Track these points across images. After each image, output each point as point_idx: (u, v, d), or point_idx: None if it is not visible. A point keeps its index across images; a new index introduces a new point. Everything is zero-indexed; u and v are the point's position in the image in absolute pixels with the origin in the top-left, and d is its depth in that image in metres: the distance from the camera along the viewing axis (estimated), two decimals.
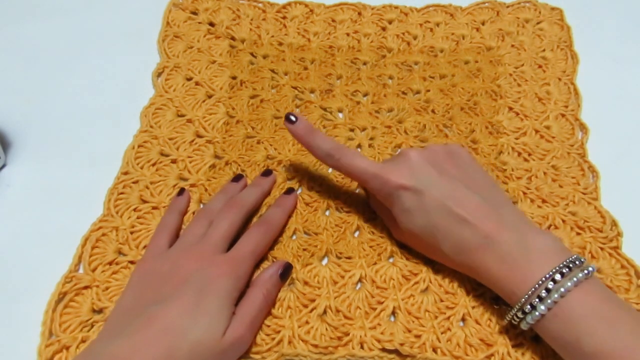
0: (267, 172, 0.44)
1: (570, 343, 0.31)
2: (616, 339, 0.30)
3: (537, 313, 0.32)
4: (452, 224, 0.35)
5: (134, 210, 0.42)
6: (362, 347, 0.35)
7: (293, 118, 0.40)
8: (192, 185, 0.44)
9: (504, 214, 0.35)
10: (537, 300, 0.31)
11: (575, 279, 0.31)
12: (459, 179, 0.37)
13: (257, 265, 0.39)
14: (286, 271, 0.38)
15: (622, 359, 0.29)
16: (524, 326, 0.33)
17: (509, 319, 0.34)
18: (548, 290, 0.31)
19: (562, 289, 0.31)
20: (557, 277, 0.31)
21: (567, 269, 0.32)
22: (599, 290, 0.32)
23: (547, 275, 0.32)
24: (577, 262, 0.32)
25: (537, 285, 0.32)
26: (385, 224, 0.41)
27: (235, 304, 0.35)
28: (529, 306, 0.32)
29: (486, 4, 0.60)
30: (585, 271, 0.32)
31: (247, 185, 0.43)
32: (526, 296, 0.32)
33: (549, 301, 0.31)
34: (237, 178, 0.44)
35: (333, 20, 0.57)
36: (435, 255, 0.38)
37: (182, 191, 0.43)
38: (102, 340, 0.33)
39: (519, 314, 0.33)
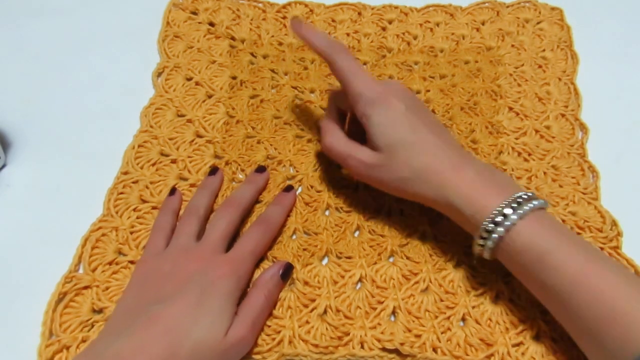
0: (260, 169, 0.44)
1: (535, 260, 0.32)
2: (575, 255, 0.32)
3: (501, 229, 0.33)
4: (432, 142, 0.37)
5: (134, 210, 0.42)
6: (362, 347, 0.35)
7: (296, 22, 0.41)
8: (192, 185, 0.44)
9: (470, 153, 0.39)
10: (501, 217, 0.33)
11: (532, 204, 0.33)
12: (433, 116, 0.40)
13: (257, 265, 0.39)
14: (287, 271, 0.38)
15: (582, 272, 0.31)
16: (488, 247, 0.34)
17: (478, 234, 0.35)
18: (513, 209, 0.33)
19: (522, 211, 0.33)
20: (520, 200, 0.33)
21: (526, 196, 0.34)
22: (555, 219, 0.35)
23: (515, 196, 0.34)
24: (532, 194, 0.34)
25: (503, 204, 0.33)
26: (352, 165, 0.39)
27: (237, 304, 0.35)
28: (493, 224, 0.33)
29: (486, 4, 0.60)
30: (541, 200, 0.34)
31: (223, 176, 0.44)
32: (493, 213, 0.33)
33: (513, 217, 0.33)
34: (214, 171, 0.44)
35: (333, 20, 0.58)
36: (398, 181, 0.37)
37: (173, 191, 0.43)
38: (104, 339, 0.33)
39: (484, 234, 0.34)
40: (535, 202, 0.34)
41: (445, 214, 0.37)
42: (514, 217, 0.33)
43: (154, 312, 0.32)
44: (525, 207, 0.33)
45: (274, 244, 0.41)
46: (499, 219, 0.33)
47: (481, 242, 0.35)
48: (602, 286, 0.30)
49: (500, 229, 0.33)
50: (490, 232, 0.34)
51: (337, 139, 0.41)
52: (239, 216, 0.40)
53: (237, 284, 0.35)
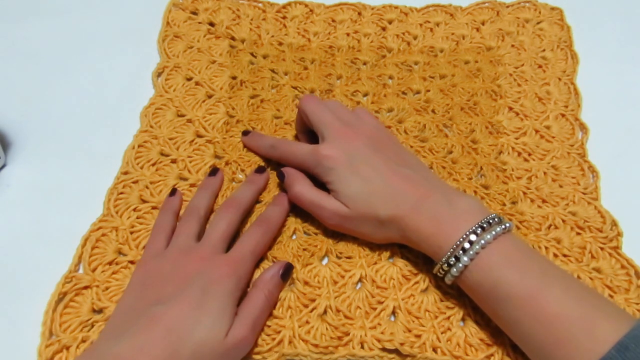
0: (260, 169, 0.44)
1: (488, 291, 0.33)
2: (526, 284, 0.32)
3: (460, 265, 0.34)
4: (387, 188, 0.37)
5: (134, 210, 0.42)
6: (362, 347, 0.35)
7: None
8: (192, 185, 0.44)
9: (431, 182, 0.39)
10: (461, 252, 0.34)
11: (494, 232, 0.34)
12: (390, 150, 0.40)
13: (257, 265, 0.39)
14: (287, 271, 0.38)
15: (530, 300, 0.32)
16: (448, 279, 0.35)
17: (435, 271, 0.36)
18: (471, 243, 0.34)
19: (483, 241, 0.34)
20: (479, 231, 0.34)
21: (487, 224, 0.34)
22: (515, 243, 0.35)
23: (471, 230, 0.34)
24: (496, 219, 0.35)
25: (461, 239, 0.34)
26: (323, 217, 0.40)
27: (238, 304, 0.35)
28: (453, 258, 0.34)
29: (486, 4, 0.60)
30: (503, 226, 0.35)
31: (223, 177, 0.44)
32: (452, 249, 0.34)
33: (471, 252, 0.33)
34: (214, 172, 0.44)
35: (333, 20, 0.58)
36: (368, 230, 0.39)
37: (174, 191, 0.43)
38: (106, 340, 0.33)
39: (445, 267, 0.35)
40: (494, 232, 0.34)
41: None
42: (465, 259, 0.34)
43: (154, 313, 0.32)
44: (482, 241, 0.34)
45: (274, 244, 0.41)
46: (454, 259, 0.34)
47: (440, 275, 0.36)
48: (547, 313, 0.31)
49: (454, 269, 0.34)
50: (447, 271, 0.35)
51: (307, 188, 0.41)
52: (239, 216, 0.40)
53: (237, 284, 0.35)
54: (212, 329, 0.32)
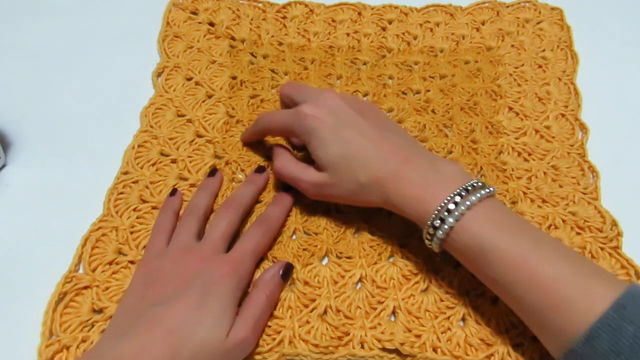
0: (260, 169, 0.44)
1: (477, 254, 0.33)
2: (515, 246, 0.32)
3: (445, 226, 0.34)
4: (370, 151, 0.37)
5: (134, 210, 0.42)
6: (362, 347, 0.35)
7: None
8: (192, 185, 0.44)
9: (416, 148, 0.39)
10: (445, 213, 0.34)
11: (479, 194, 0.34)
12: (373, 117, 0.40)
13: (257, 265, 0.39)
14: (287, 271, 0.38)
15: (521, 262, 0.32)
16: (435, 244, 0.35)
17: (424, 237, 0.36)
18: (456, 204, 0.33)
19: (468, 202, 0.33)
20: (463, 193, 0.34)
21: (471, 187, 0.34)
22: (500, 207, 0.35)
23: (455, 192, 0.34)
24: (479, 184, 0.35)
25: (446, 200, 0.34)
26: (302, 189, 0.41)
27: (239, 305, 0.35)
28: (439, 220, 0.34)
29: (486, 4, 0.60)
30: (487, 190, 0.35)
31: (222, 177, 0.44)
32: (437, 210, 0.34)
33: (456, 213, 0.33)
34: (213, 172, 0.44)
35: (333, 20, 0.58)
36: (348, 194, 0.38)
37: (174, 192, 0.43)
38: (107, 340, 0.33)
39: (431, 230, 0.35)
40: (479, 194, 0.34)
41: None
42: (451, 220, 0.33)
43: (156, 314, 0.32)
44: (467, 203, 0.33)
45: (274, 243, 0.41)
46: (439, 220, 0.34)
47: (428, 241, 0.36)
48: (541, 275, 0.31)
49: (439, 232, 0.34)
50: (433, 234, 0.35)
51: (287, 163, 0.41)
52: (240, 216, 0.40)
53: (238, 284, 0.35)
54: (213, 330, 0.32)
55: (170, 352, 0.31)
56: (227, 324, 0.33)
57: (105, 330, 0.34)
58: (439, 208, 0.34)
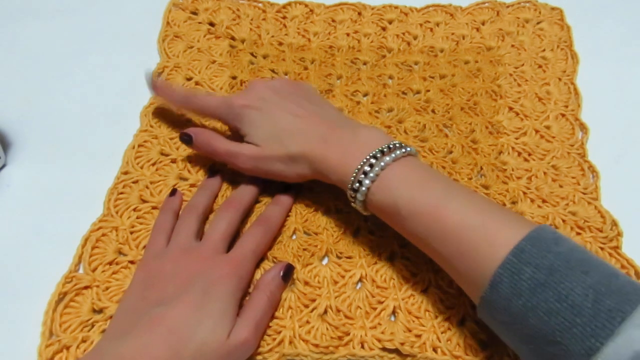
0: None
1: (392, 209, 0.35)
2: (426, 199, 0.34)
3: (363, 188, 0.35)
4: (297, 125, 0.39)
5: (134, 210, 0.42)
6: (362, 347, 0.35)
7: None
8: (192, 185, 0.44)
9: (340, 120, 0.41)
10: (362, 175, 0.35)
11: (394, 155, 0.36)
12: (300, 96, 0.42)
13: (257, 265, 0.39)
14: (288, 272, 0.38)
15: (431, 214, 0.33)
16: (359, 206, 0.37)
17: (350, 201, 0.37)
18: (371, 166, 0.35)
19: (382, 163, 0.35)
20: (379, 155, 0.36)
21: (387, 149, 0.36)
22: (417, 165, 0.36)
23: (371, 154, 0.36)
24: (397, 145, 0.36)
25: (362, 163, 0.35)
26: (238, 162, 0.41)
27: (239, 305, 0.35)
28: (357, 183, 0.36)
29: (486, 4, 0.60)
30: (404, 150, 0.36)
31: (222, 178, 0.44)
32: (354, 173, 0.36)
33: (371, 175, 0.35)
34: (214, 173, 0.44)
35: (333, 20, 0.58)
36: (281, 168, 0.40)
37: (174, 192, 0.43)
38: (108, 341, 0.33)
39: (352, 194, 0.36)
40: (394, 155, 0.35)
41: (328, 183, 0.39)
42: (367, 181, 0.35)
43: (156, 314, 0.32)
44: (381, 163, 0.35)
45: (274, 243, 0.41)
46: (358, 183, 0.35)
47: (353, 204, 0.37)
48: (449, 224, 0.32)
49: (359, 194, 0.36)
50: (354, 197, 0.36)
51: (220, 141, 0.42)
52: (239, 216, 0.40)
53: (239, 285, 0.35)
54: (213, 331, 0.32)
55: (171, 353, 0.31)
56: (228, 324, 0.33)
57: (106, 331, 0.34)
58: (357, 170, 0.36)
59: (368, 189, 0.35)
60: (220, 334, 0.32)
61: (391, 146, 0.36)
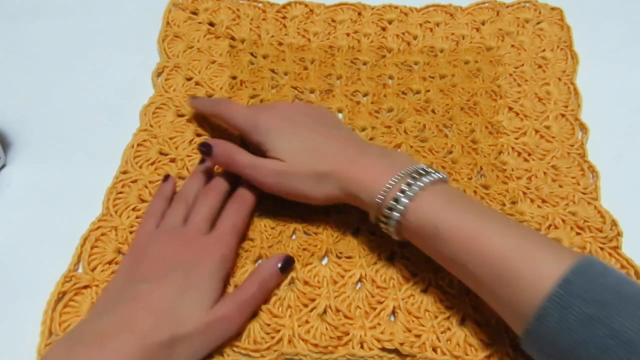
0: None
1: (430, 232, 0.34)
2: (465, 224, 0.33)
3: (400, 206, 0.34)
4: (326, 144, 0.39)
5: (133, 209, 0.42)
6: (362, 347, 0.35)
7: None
8: None
9: (365, 142, 0.41)
10: (400, 194, 0.34)
11: (430, 177, 0.35)
12: (325, 119, 0.43)
13: (254, 262, 0.39)
14: (287, 264, 0.38)
15: (471, 239, 0.32)
16: (392, 226, 0.35)
17: (377, 217, 0.36)
18: (409, 185, 0.35)
19: (420, 184, 0.34)
20: (416, 175, 0.35)
21: (423, 171, 0.36)
22: (451, 189, 0.36)
23: (406, 172, 0.35)
24: (430, 170, 0.36)
25: (398, 178, 0.35)
26: (260, 176, 0.40)
27: (224, 284, 0.36)
28: (393, 201, 0.35)
29: (486, 4, 0.60)
30: (438, 174, 0.36)
31: (213, 167, 0.44)
32: (388, 189, 0.35)
33: (409, 193, 0.34)
34: (202, 161, 0.44)
35: (333, 20, 0.57)
36: (307, 186, 0.38)
37: (167, 177, 0.43)
38: (89, 317, 0.34)
39: (386, 212, 0.35)
40: (430, 177, 0.35)
41: (356, 206, 0.39)
42: (405, 200, 0.34)
43: (138, 291, 0.33)
44: (420, 184, 0.34)
45: (275, 244, 0.41)
46: (394, 201, 0.35)
47: (384, 225, 0.36)
48: (489, 249, 0.32)
49: (395, 213, 0.35)
50: (389, 215, 0.35)
51: (241, 154, 0.41)
52: (220, 200, 0.41)
53: (222, 263, 0.36)
54: (194, 304, 0.33)
55: (151, 325, 0.31)
56: (209, 300, 0.34)
57: (90, 309, 0.35)
58: (391, 187, 0.35)
59: (405, 207, 0.34)
60: (200, 308, 0.33)
61: (425, 169, 0.36)
